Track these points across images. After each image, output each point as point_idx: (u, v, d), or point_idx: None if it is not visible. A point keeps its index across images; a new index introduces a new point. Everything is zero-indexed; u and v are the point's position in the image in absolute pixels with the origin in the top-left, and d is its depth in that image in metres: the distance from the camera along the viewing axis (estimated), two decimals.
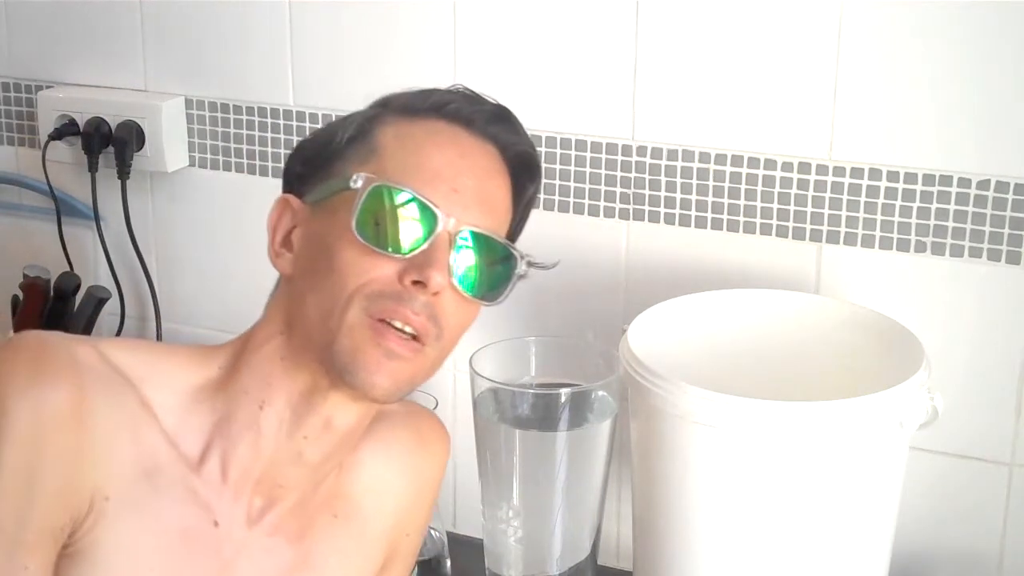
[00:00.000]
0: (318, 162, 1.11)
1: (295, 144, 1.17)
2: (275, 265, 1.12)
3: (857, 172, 1.44)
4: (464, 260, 1.06)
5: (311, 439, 1.09)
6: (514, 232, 1.15)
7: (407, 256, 1.04)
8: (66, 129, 1.75)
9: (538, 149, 1.55)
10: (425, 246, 1.04)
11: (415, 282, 1.04)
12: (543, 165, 1.19)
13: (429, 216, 1.04)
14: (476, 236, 1.07)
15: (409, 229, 1.04)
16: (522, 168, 1.14)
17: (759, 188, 1.48)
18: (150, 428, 1.06)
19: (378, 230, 1.04)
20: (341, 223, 1.05)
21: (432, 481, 1.24)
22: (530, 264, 1.12)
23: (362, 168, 1.07)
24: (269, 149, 1.70)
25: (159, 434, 1.06)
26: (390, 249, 1.04)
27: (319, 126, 1.65)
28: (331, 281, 1.05)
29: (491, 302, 1.10)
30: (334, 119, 1.16)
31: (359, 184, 1.05)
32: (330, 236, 1.06)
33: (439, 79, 1.58)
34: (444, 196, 1.05)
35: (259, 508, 1.10)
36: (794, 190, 1.46)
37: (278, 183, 1.17)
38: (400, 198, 1.05)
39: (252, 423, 1.08)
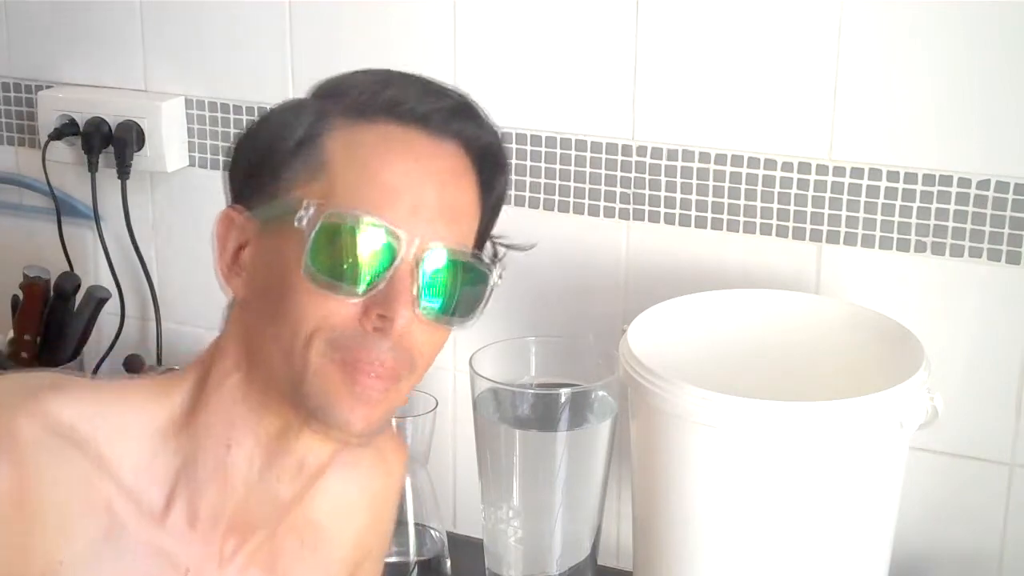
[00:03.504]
0: (263, 172, 1.01)
1: (234, 144, 1.07)
2: (227, 286, 1.03)
3: (857, 172, 1.44)
4: (431, 284, 0.98)
5: (284, 480, 1.04)
6: (484, 232, 1.07)
7: (366, 294, 0.97)
8: (66, 129, 1.75)
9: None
10: (384, 282, 0.96)
11: (377, 324, 0.96)
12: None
13: (388, 246, 0.96)
14: (442, 254, 0.99)
15: (366, 262, 0.96)
16: (488, 162, 1.04)
17: (759, 188, 1.48)
18: (106, 488, 1.00)
19: (332, 268, 0.96)
20: (291, 254, 0.97)
21: (391, 500, 1.20)
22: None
23: (311, 185, 0.98)
24: None
25: (117, 493, 1.00)
26: (346, 289, 0.97)
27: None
28: (287, 319, 0.98)
29: (465, 321, 1.02)
30: (275, 108, 1.06)
31: (303, 223, 0.97)
32: (281, 266, 0.99)
33: (439, 79, 1.58)
34: (403, 216, 0.97)
35: (232, 547, 1.05)
36: (794, 190, 1.46)
37: None
38: (353, 228, 0.96)
39: (219, 466, 1.02)
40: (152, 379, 1.09)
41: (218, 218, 1.04)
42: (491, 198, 1.06)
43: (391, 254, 0.97)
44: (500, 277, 1.03)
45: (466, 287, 1.01)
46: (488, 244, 1.07)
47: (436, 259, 0.98)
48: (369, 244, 0.96)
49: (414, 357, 1.00)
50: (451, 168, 1.01)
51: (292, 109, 1.04)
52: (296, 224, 0.96)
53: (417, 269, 0.97)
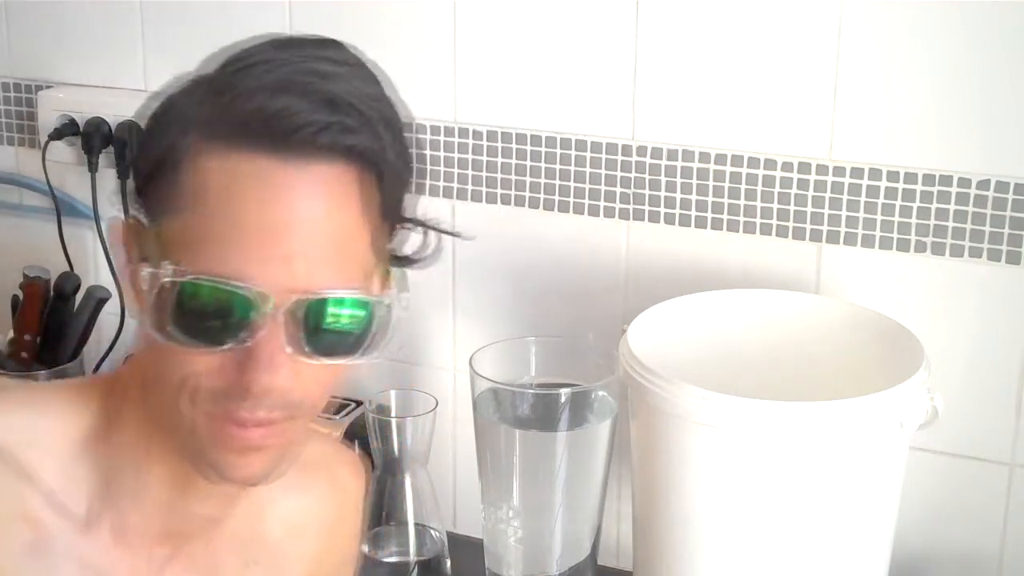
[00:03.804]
0: (153, 181, 0.93)
1: (136, 134, 0.97)
2: (132, 302, 0.94)
3: (857, 172, 1.44)
4: (313, 332, 0.89)
5: (206, 498, 1.00)
6: (390, 233, 0.96)
7: (232, 349, 0.88)
8: (66, 129, 1.75)
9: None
10: (252, 339, 0.88)
11: (246, 384, 0.88)
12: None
13: (251, 306, 0.87)
14: (323, 300, 0.89)
15: (228, 325, 0.87)
16: (386, 172, 0.92)
17: (759, 188, 1.48)
18: (30, 499, 0.96)
19: (187, 324, 0.88)
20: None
21: (350, 519, 1.17)
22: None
23: (181, 216, 0.89)
24: None
25: (42, 505, 0.96)
26: (207, 349, 0.89)
27: None
28: (158, 363, 0.92)
29: (367, 355, 0.93)
30: (167, 101, 0.94)
31: (146, 285, 0.89)
32: None
33: (439, 78, 1.58)
34: (274, 268, 0.87)
35: (164, 556, 1.02)
36: (794, 190, 1.46)
37: None
38: (209, 290, 0.87)
39: (139, 483, 0.98)
40: (69, 385, 1.06)
41: (114, 227, 0.97)
42: (391, 203, 0.94)
43: (255, 313, 0.87)
44: (405, 305, 0.94)
45: (359, 325, 0.92)
46: (422, 235, 0.98)
47: (315, 307, 0.89)
48: (229, 307, 0.87)
49: (301, 401, 0.91)
50: (335, 194, 0.89)
51: (178, 109, 0.93)
52: (140, 276, 0.89)
53: (294, 321, 0.88)
